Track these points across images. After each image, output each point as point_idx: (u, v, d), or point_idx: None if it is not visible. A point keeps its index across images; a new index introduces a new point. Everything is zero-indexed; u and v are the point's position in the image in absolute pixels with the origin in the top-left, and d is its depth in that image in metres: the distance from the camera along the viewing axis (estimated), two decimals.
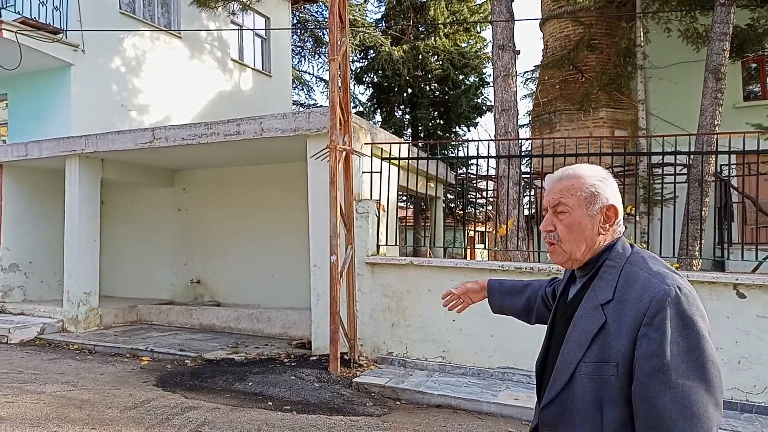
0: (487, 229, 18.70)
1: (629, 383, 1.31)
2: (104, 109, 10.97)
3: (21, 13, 9.73)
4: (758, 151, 5.94)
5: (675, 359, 1.26)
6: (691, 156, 7.16)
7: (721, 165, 7.99)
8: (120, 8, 11.49)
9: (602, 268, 1.45)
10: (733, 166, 7.17)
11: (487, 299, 2.10)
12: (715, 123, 7.44)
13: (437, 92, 19.61)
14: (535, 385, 1.63)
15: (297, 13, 19.67)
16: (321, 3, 18.47)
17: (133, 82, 11.79)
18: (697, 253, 7.10)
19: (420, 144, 12.12)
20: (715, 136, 7.15)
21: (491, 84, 9.43)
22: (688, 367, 1.26)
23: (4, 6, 10.48)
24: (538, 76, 13.37)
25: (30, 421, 4.76)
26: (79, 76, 10.56)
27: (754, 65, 11.84)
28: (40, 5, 9.98)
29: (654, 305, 1.29)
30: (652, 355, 1.27)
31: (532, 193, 10.33)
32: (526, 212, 9.60)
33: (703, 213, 7.21)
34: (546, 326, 1.67)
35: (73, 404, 5.27)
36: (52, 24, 10.08)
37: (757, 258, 6.12)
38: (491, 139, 7.62)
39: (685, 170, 8.25)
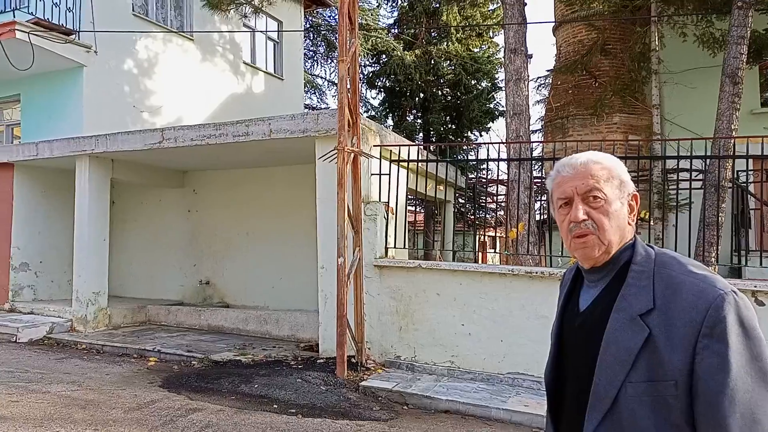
0: (498, 234, 18.57)
1: (690, 403, 1.18)
2: (116, 110, 11.00)
3: (34, 14, 9.80)
4: None
5: (741, 371, 1.15)
6: (707, 161, 7.02)
7: (738, 170, 7.83)
8: (133, 10, 11.55)
9: (628, 273, 1.29)
10: (751, 172, 7.01)
11: None
12: (732, 127, 7.29)
13: (449, 97, 19.54)
14: (546, 394, 1.47)
15: (310, 18, 19.72)
16: (334, 8, 18.50)
17: (145, 84, 11.83)
18: (713, 259, 6.94)
19: (430, 147, 12.04)
20: (732, 141, 7.00)
21: (503, 89, 9.34)
22: (752, 379, 1.16)
23: (18, 7, 10.56)
24: (550, 81, 13.26)
25: (33, 421, 4.72)
26: (92, 77, 10.60)
27: None
28: (54, 6, 10.04)
29: (713, 313, 1.17)
30: (717, 370, 1.15)
31: (544, 197, 10.21)
32: (538, 217, 9.47)
33: (719, 219, 7.06)
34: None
35: (77, 404, 5.24)
36: (65, 25, 10.13)
37: None
38: (501, 142, 7.53)
39: (700, 176, 8.10)
